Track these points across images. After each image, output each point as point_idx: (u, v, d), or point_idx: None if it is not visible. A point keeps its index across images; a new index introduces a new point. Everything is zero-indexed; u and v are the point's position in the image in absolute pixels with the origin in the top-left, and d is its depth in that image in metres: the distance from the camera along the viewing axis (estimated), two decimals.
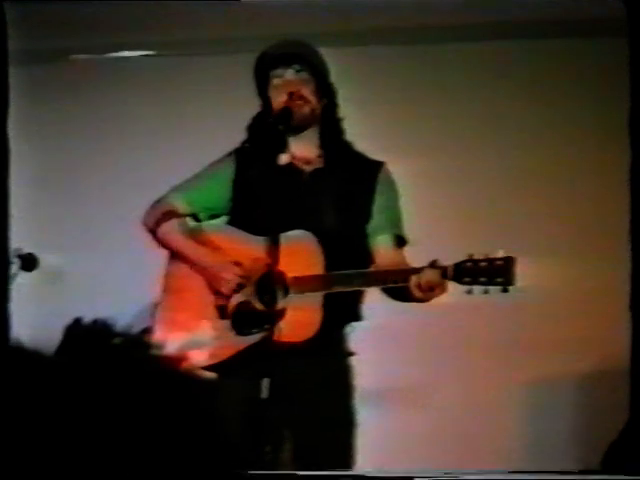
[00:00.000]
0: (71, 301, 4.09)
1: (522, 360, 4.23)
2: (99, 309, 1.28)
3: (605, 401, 3.93)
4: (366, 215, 3.10)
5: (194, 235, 3.14)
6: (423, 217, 3.30)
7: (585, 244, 4.23)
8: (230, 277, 2.99)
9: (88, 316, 1.10)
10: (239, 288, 2.99)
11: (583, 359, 4.20)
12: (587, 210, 4.31)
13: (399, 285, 2.86)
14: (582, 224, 4.29)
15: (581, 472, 2.56)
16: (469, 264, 2.80)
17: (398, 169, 3.21)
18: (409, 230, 3.16)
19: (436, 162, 4.39)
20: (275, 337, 2.83)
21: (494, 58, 4.47)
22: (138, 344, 1.05)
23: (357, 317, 3.07)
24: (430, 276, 2.79)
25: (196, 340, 2.97)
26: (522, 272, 2.78)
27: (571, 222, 4.31)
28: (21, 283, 4.04)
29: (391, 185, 3.18)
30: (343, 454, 3.00)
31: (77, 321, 1.05)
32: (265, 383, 2.78)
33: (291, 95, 3.03)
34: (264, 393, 2.77)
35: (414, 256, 3.07)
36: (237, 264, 3.01)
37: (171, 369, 1.05)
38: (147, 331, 2.89)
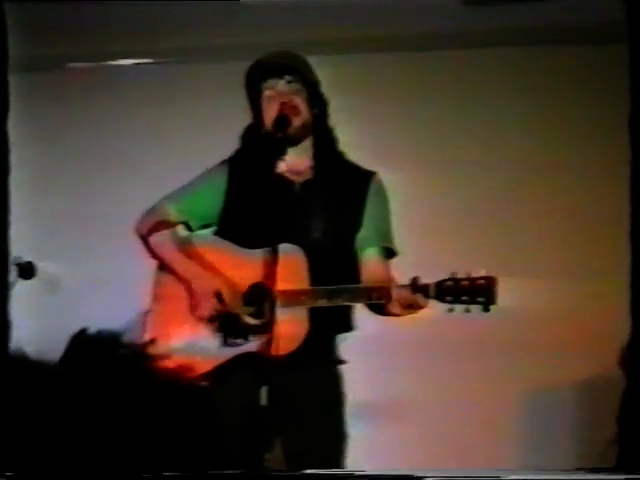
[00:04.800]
0: (69, 309, 4.09)
1: (518, 367, 4.23)
2: (96, 318, 1.28)
3: (602, 408, 3.93)
4: (357, 226, 3.09)
5: (184, 247, 3.15)
6: (409, 230, 3.29)
7: (581, 259, 4.24)
8: (207, 307, 3.00)
9: (85, 324, 1.10)
10: (210, 320, 3.00)
11: (577, 366, 4.20)
12: (583, 222, 4.30)
13: (382, 302, 2.88)
14: (577, 235, 4.29)
15: (581, 471, 2.56)
16: (450, 283, 2.81)
17: (387, 180, 3.20)
18: (396, 243, 3.16)
19: (426, 173, 4.39)
20: (261, 350, 2.84)
21: (490, 66, 4.47)
22: (141, 355, 1.05)
23: (348, 327, 3.07)
24: (410, 294, 2.81)
25: (194, 346, 2.99)
26: (510, 290, 2.80)
27: (567, 233, 4.32)
28: (19, 291, 4.04)
29: (382, 195, 3.17)
30: (333, 464, 3.00)
31: (82, 331, 1.05)
32: (257, 394, 2.79)
33: (283, 105, 3.04)
34: (255, 404, 2.79)
35: (398, 269, 3.08)
36: (218, 295, 3.00)
37: (172, 380, 1.05)
38: (151, 342, 2.91)
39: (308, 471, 2.64)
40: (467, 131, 4.46)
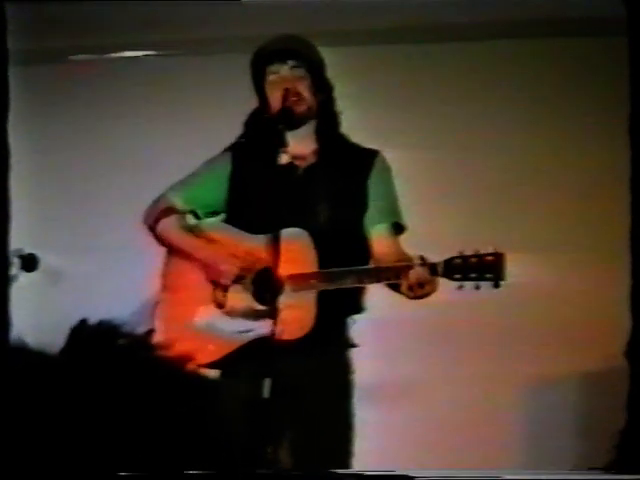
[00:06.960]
0: (72, 301, 4.09)
1: (525, 355, 4.23)
2: (100, 309, 1.28)
3: (605, 399, 3.93)
4: (363, 206, 3.09)
5: (192, 231, 3.15)
6: (416, 209, 3.28)
7: (584, 241, 4.23)
8: (229, 268, 3.00)
9: (89, 316, 1.10)
10: (238, 279, 2.99)
11: (583, 355, 4.20)
12: (587, 207, 4.30)
13: (392, 282, 2.86)
14: (581, 220, 4.29)
15: (582, 471, 2.56)
16: (459, 260, 2.81)
17: (393, 158, 3.20)
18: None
19: (432, 156, 4.39)
20: (271, 335, 2.83)
21: (493, 57, 4.47)
22: (143, 345, 1.05)
23: (358, 309, 3.06)
24: (420, 273, 2.79)
25: (205, 333, 2.99)
26: (519, 267, 2.79)
27: (571, 218, 4.31)
28: (21, 283, 4.04)
29: (386, 172, 3.16)
30: (341, 451, 3.00)
31: (82, 322, 1.05)
32: (265, 382, 2.79)
33: (287, 91, 3.02)
34: (264, 392, 2.78)
35: (406, 249, 3.06)
36: (235, 256, 3.01)
37: (176, 370, 1.05)
38: (151, 332, 2.90)
39: (304, 472, 2.64)
40: (472, 116, 4.46)
